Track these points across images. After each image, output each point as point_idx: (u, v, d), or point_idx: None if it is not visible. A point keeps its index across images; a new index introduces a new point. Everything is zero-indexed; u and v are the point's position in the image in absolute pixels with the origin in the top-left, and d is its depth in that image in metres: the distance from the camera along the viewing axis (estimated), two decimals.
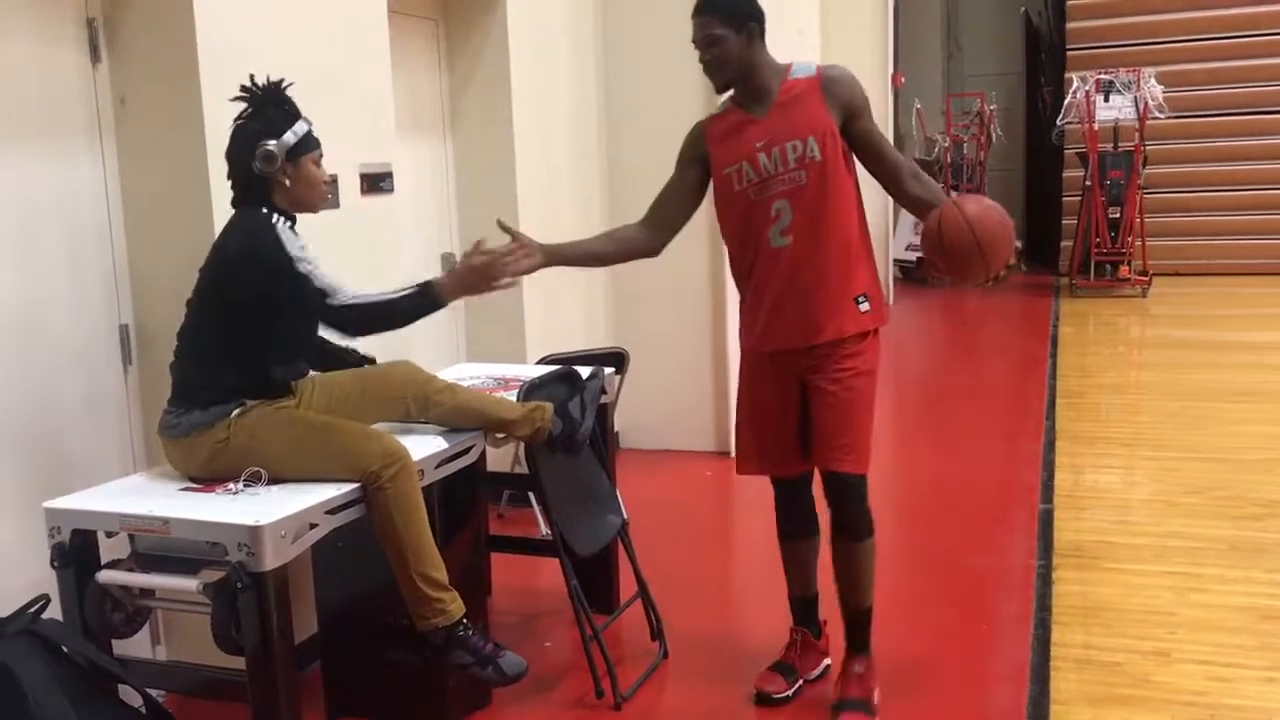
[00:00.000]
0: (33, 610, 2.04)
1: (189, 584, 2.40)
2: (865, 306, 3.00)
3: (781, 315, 3.00)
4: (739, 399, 3.19)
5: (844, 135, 2.95)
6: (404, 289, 2.89)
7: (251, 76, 2.75)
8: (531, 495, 4.43)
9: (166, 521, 2.42)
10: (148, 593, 2.56)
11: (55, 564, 2.47)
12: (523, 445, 3.27)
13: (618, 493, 3.65)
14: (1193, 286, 11.15)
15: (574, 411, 3.17)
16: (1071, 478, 5.23)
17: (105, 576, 2.49)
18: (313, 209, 2.84)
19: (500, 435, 3.15)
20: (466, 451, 3.03)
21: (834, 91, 2.94)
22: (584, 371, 3.47)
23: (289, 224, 2.73)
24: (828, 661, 3.33)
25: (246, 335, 2.68)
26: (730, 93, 3.04)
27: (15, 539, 2.81)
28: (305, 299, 2.70)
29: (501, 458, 4.37)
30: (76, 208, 3.05)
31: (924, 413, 7.12)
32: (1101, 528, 4.56)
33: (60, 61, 3.00)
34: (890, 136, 10.88)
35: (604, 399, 3.66)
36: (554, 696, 3.32)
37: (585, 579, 3.48)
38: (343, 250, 3.62)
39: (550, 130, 5.23)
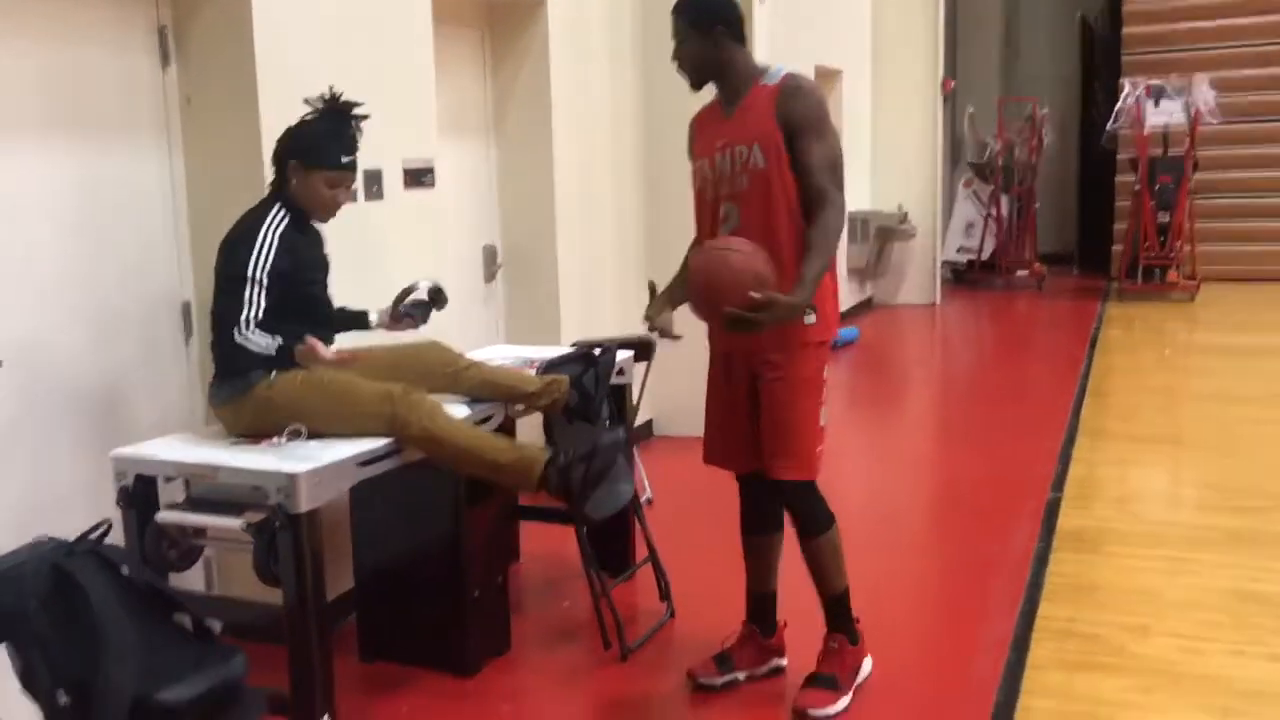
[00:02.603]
0: (96, 535, 2.37)
1: (235, 523, 2.73)
2: (811, 318, 2.98)
3: None
4: (706, 393, 3.26)
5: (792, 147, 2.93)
6: (279, 343, 2.89)
7: (331, 88, 3.08)
8: None
9: (216, 469, 2.77)
10: (200, 532, 2.91)
11: (120, 504, 2.84)
12: (542, 416, 3.56)
13: (636, 467, 3.92)
14: (1243, 292, 11.11)
15: (588, 384, 3.46)
16: (1086, 470, 5.39)
17: (163, 516, 2.85)
18: (313, 218, 3.10)
19: (521, 406, 3.46)
20: (487, 420, 3.34)
21: (782, 103, 2.93)
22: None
23: (285, 220, 2.97)
24: (779, 662, 3.36)
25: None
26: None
27: (87, 486, 3.17)
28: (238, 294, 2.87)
29: (536, 437, 4.67)
30: (145, 196, 3.41)
31: (957, 410, 7.32)
32: (1106, 515, 4.74)
33: (133, 65, 3.36)
34: (938, 141, 11.05)
35: (621, 380, 3.95)
36: (568, 648, 3.62)
37: (603, 546, 3.80)
38: (385, 239, 3.96)
39: (589, 133, 5.52)
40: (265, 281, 2.88)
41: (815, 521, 3.14)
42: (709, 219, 3.10)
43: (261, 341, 2.85)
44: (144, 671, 2.12)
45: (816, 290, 2.89)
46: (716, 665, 3.30)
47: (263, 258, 2.89)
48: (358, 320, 3.39)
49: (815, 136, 2.95)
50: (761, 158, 2.95)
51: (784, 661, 3.37)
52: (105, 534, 2.34)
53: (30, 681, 2.11)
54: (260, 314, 2.86)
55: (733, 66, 3.03)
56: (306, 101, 3.08)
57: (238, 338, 2.85)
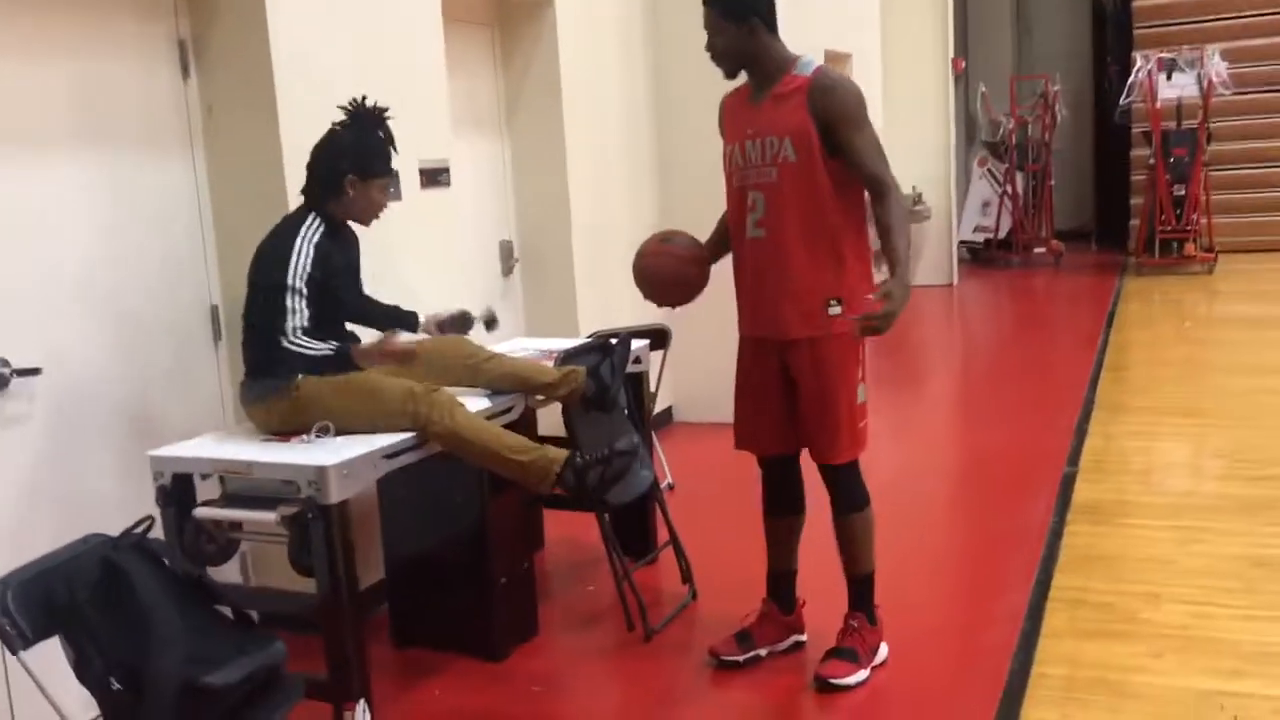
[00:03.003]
0: (140, 530, 2.48)
1: (269, 517, 2.85)
2: (836, 310, 3.07)
3: (753, 305, 3.22)
4: (736, 378, 3.35)
5: (829, 141, 3.02)
6: (334, 347, 3.06)
7: (364, 97, 3.21)
8: None
9: (250, 465, 2.88)
10: (236, 526, 3.02)
11: (159, 503, 2.95)
12: (561, 406, 3.66)
13: (656, 454, 4.02)
14: (1263, 263, 11.07)
15: (604, 374, 3.56)
16: (1101, 444, 5.44)
17: (200, 512, 2.97)
18: (362, 223, 3.30)
19: (540, 397, 3.56)
20: (508, 411, 3.44)
21: (816, 99, 3.00)
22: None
23: (320, 230, 3.10)
24: (798, 638, 3.44)
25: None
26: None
27: (125, 486, 3.29)
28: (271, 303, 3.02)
29: (556, 425, 4.77)
30: (172, 204, 3.52)
31: (975, 388, 7.39)
32: (1121, 487, 4.80)
33: (156, 77, 3.47)
34: (950, 121, 11.07)
35: (638, 368, 4.05)
36: (593, 631, 3.73)
37: (626, 532, 3.91)
38: (403, 238, 4.06)
39: (601, 125, 5.61)
40: (305, 290, 3.01)
41: (853, 499, 3.25)
42: (738, 205, 3.19)
43: (316, 346, 3.00)
44: (189, 657, 2.24)
45: (911, 264, 3.00)
46: (738, 643, 3.39)
47: (300, 267, 3.02)
48: (407, 320, 3.54)
49: (856, 127, 3.04)
50: (793, 151, 3.03)
51: (803, 637, 3.46)
52: (148, 529, 2.46)
53: (83, 670, 2.23)
54: (307, 321, 3.01)
55: (767, 55, 3.10)
56: (342, 108, 3.19)
57: (284, 343, 2.97)
